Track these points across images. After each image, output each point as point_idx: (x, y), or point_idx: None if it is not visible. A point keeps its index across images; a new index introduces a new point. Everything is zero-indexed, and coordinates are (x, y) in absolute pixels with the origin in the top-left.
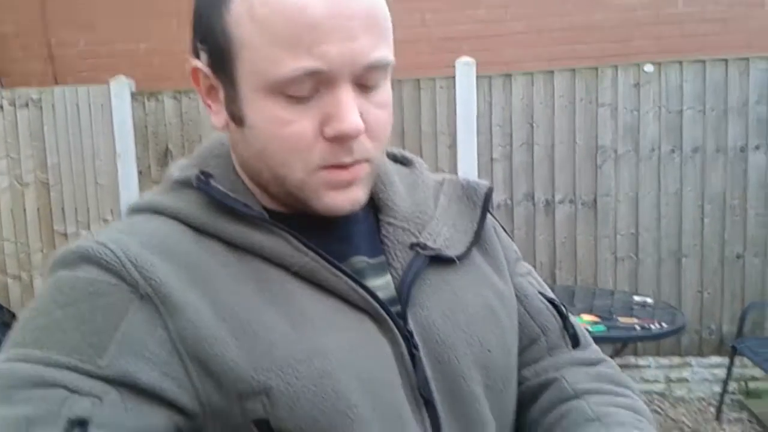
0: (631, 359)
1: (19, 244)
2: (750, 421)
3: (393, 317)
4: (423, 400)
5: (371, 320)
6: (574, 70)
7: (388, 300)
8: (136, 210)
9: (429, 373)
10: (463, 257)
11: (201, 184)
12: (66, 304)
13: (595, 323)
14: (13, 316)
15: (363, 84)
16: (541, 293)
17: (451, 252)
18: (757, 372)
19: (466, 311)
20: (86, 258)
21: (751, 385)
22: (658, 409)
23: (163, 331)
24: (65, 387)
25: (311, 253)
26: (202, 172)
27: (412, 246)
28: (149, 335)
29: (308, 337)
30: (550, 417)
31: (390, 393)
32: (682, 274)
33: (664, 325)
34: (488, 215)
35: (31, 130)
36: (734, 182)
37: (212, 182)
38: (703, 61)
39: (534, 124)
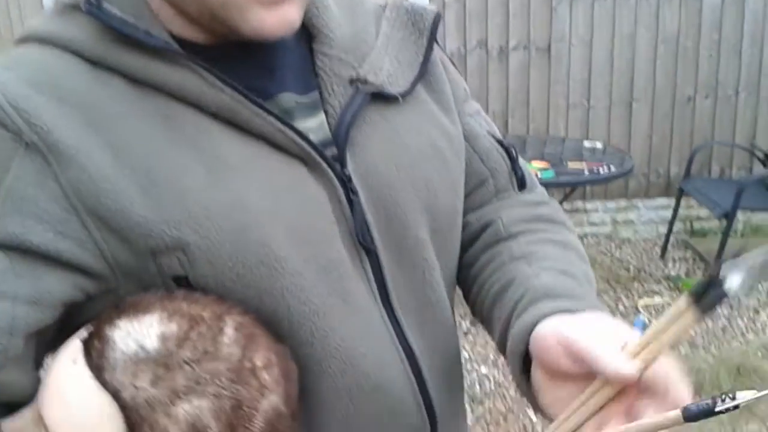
0: (579, 203)
1: None
2: (694, 260)
3: (328, 161)
4: (363, 248)
5: (302, 165)
6: None
7: (321, 142)
8: (21, 40)
9: (371, 219)
10: (407, 94)
11: (91, 8)
12: None
13: (545, 169)
14: None
15: None
16: (490, 134)
17: (395, 88)
18: (703, 212)
19: (411, 152)
20: None
21: (696, 225)
22: (604, 251)
23: (54, 185)
24: None
25: (229, 90)
26: None
27: (352, 81)
28: (39, 190)
29: (226, 186)
30: (482, 259)
31: (324, 243)
32: (632, 118)
33: (612, 168)
34: (436, 46)
35: None
36: (688, 23)
37: (105, 5)
38: None
39: None
